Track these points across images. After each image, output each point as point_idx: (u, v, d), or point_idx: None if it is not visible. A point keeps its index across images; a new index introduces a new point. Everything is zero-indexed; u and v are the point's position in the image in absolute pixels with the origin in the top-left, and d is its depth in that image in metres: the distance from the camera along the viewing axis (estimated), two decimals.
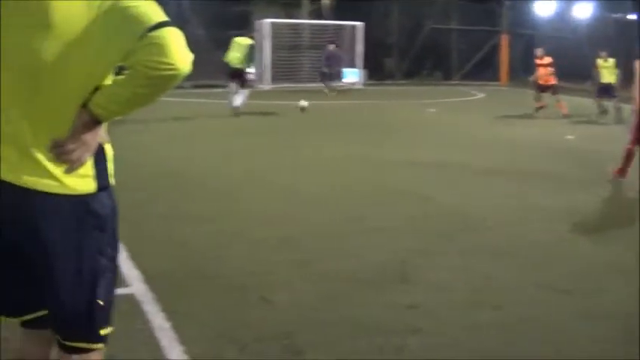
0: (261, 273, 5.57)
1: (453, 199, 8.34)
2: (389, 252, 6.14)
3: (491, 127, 16.64)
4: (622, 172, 9.52)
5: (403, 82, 33.13)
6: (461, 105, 22.47)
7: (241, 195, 8.56)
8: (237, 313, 4.75)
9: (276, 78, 28.47)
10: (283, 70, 28.66)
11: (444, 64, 36.45)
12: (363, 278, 5.47)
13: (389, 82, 32.84)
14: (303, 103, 19.07)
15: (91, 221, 2.41)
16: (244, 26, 32.65)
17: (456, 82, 34.49)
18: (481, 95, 26.80)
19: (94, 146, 2.37)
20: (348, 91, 27.31)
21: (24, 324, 2.66)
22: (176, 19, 17.55)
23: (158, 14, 2.25)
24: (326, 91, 25.09)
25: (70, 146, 2.30)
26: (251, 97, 18.92)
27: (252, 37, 20.08)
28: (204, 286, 5.28)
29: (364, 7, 31.89)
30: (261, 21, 29.27)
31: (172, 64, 2.19)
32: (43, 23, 2.25)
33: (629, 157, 9.46)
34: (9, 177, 2.35)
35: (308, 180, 9.54)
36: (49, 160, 2.33)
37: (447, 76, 35.61)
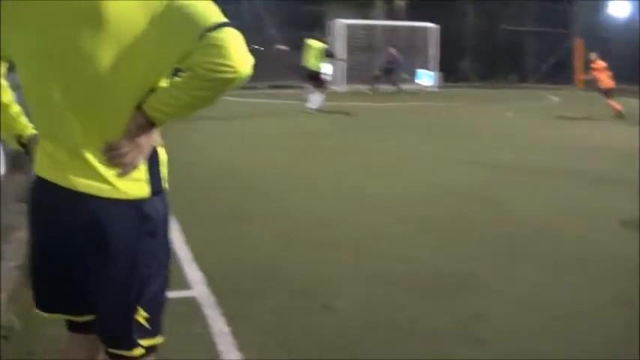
0: (323, 277, 5.48)
1: (526, 205, 8.11)
2: (457, 259, 5.98)
3: (568, 131, 16.19)
4: None
5: (478, 84, 32.64)
6: (537, 109, 21.95)
7: (306, 196, 8.51)
8: (299, 319, 4.66)
9: (351, 79, 28.31)
10: (358, 71, 28.46)
11: (519, 67, 35.83)
12: (428, 285, 5.33)
13: (464, 84, 32.39)
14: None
15: (143, 226, 2.34)
16: (318, 27, 32.78)
17: (531, 84, 33.82)
18: (556, 99, 26.14)
19: (147, 149, 2.31)
20: (419, 94, 27.01)
21: (72, 327, 2.61)
22: (249, 20, 18.27)
23: (216, 14, 2.15)
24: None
25: (124, 149, 2.24)
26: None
27: (325, 41, 20.52)
28: (267, 289, 5.20)
29: (439, 8, 31.50)
30: (335, 21, 29.16)
31: (232, 67, 2.09)
32: (96, 22, 2.17)
33: None
34: (61, 179, 2.32)
35: (375, 182, 9.41)
36: (102, 162, 2.28)
37: (522, 79, 34.96)
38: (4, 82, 2.53)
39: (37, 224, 2.48)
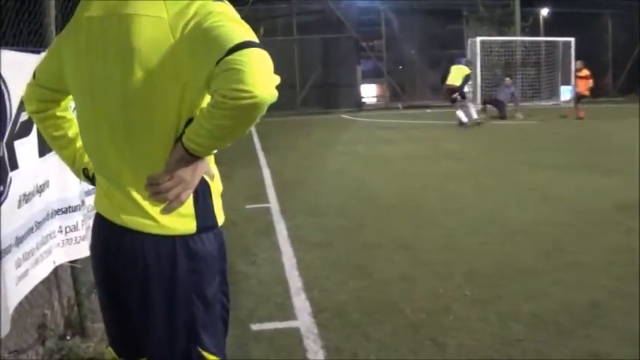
0: (438, 311, 5.18)
1: None
2: (582, 292, 5.53)
3: None
4: None
5: (619, 99, 31.26)
6: None
7: (439, 222, 8.17)
8: (403, 355, 4.41)
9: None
10: (495, 89, 27.79)
11: None
12: (548, 321, 4.92)
13: (603, 99, 31.14)
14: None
15: (188, 263, 2.22)
16: (458, 46, 32.57)
17: None
18: None
19: (193, 183, 2.16)
20: (558, 110, 26.08)
21: None
22: (387, 40, 18.75)
23: (241, 34, 1.97)
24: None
25: (167, 184, 2.11)
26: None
27: (469, 66, 22.64)
28: (376, 322, 4.97)
29: (578, 23, 30.54)
30: (472, 39, 28.73)
31: (249, 92, 1.88)
32: (128, 54, 2.09)
33: None
34: (111, 215, 2.28)
35: (510, 208, 8.90)
36: (145, 199, 2.18)
37: None
38: (71, 116, 2.53)
39: (94, 261, 2.43)
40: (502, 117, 24.61)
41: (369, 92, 38.71)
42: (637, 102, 28.65)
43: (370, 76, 37.32)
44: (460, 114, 21.36)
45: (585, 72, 23.36)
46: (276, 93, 1.95)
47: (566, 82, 29.65)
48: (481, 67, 27.56)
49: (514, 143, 16.53)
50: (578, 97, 23.44)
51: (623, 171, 11.58)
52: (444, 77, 22.61)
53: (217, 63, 1.92)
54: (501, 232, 7.56)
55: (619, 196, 9.55)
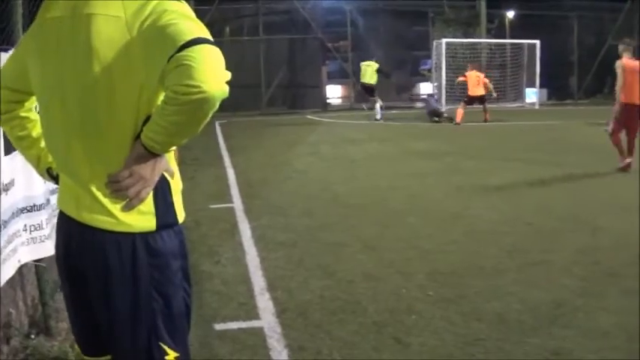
0: (402, 310, 5.19)
1: (627, 230, 7.56)
2: (545, 291, 5.57)
3: None
4: (623, 158, 11.85)
5: (584, 101, 31.63)
6: None
7: (403, 222, 8.18)
8: (367, 354, 4.41)
9: (451, 99, 27.84)
10: (460, 91, 27.99)
11: None
12: (511, 320, 4.95)
13: (569, 101, 31.51)
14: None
15: (148, 260, 2.22)
16: (424, 47, 32.78)
17: None
18: None
19: (153, 180, 2.18)
20: (523, 112, 26.36)
21: None
22: (353, 41, 19.11)
23: (192, 31, 1.99)
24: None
25: (126, 181, 2.13)
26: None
27: (377, 61, 24.73)
28: (339, 321, 4.97)
29: (544, 25, 30.90)
30: (438, 41, 28.94)
31: (199, 87, 1.90)
32: (87, 49, 2.11)
33: (618, 144, 11.92)
34: (74, 212, 2.28)
35: (474, 208, 8.94)
36: (106, 196, 2.19)
37: None
38: (35, 116, 2.54)
39: (58, 258, 2.44)
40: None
41: (335, 93, 38.81)
42: (601, 104, 28.99)
43: (336, 77, 37.41)
44: (378, 109, 24.00)
45: (473, 73, 23.33)
46: (226, 88, 1.97)
47: (532, 85, 30.02)
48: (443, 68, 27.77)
49: (479, 143, 16.64)
50: (468, 100, 23.14)
51: (587, 171, 11.73)
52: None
53: (169, 60, 1.95)
54: (465, 232, 7.60)
55: (583, 195, 9.66)
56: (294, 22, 33.13)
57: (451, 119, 22.63)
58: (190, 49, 1.93)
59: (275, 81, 32.32)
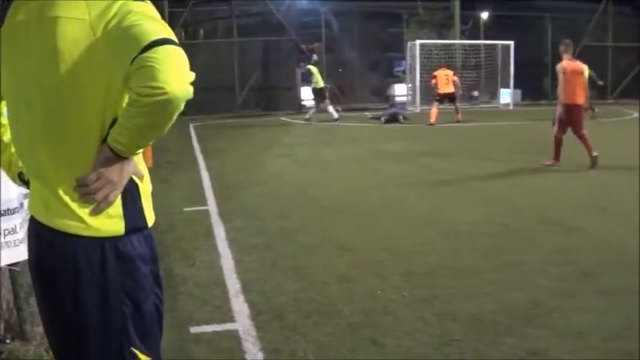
0: (377, 311, 5.19)
1: (602, 230, 7.60)
2: (521, 291, 5.58)
3: None
4: (553, 159, 12.40)
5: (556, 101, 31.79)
6: (615, 124, 21.20)
7: (377, 224, 8.18)
8: (342, 355, 4.40)
9: (425, 100, 27.92)
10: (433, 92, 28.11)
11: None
12: (486, 320, 4.96)
13: (544, 102, 31.70)
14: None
15: (118, 265, 2.19)
16: (398, 49, 32.85)
17: (612, 100, 32.82)
18: (636, 114, 24.99)
19: (121, 184, 2.15)
20: (498, 113, 26.47)
21: None
22: (328, 43, 19.07)
23: (156, 32, 1.97)
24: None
25: (94, 185, 2.10)
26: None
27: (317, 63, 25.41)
28: (314, 323, 4.95)
29: (518, 26, 31.10)
30: (412, 42, 29.04)
31: (162, 88, 1.90)
32: (53, 52, 2.09)
33: (558, 144, 12.41)
34: (45, 220, 2.24)
35: (449, 209, 8.96)
36: (74, 200, 2.16)
37: (602, 95, 33.88)
38: (5, 121, 2.49)
39: (29, 263, 2.41)
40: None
41: (309, 95, 38.77)
42: None
43: (310, 79, 37.34)
44: (331, 110, 24.23)
45: (442, 72, 23.37)
46: (190, 89, 1.96)
47: (506, 85, 30.19)
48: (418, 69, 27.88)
49: (453, 144, 16.70)
50: (438, 98, 23.06)
51: (561, 171, 11.81)
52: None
53: (132, 61, 1.93)
54: (440, 233, 7.61)
55: (558, 196, 9.73)
56: (268, 24, 33.03)
57: (405, 118, 23.33)
58: (154, 50, 1.91)
59: (249, 83, 32.21)
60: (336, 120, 23.82)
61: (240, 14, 32.71)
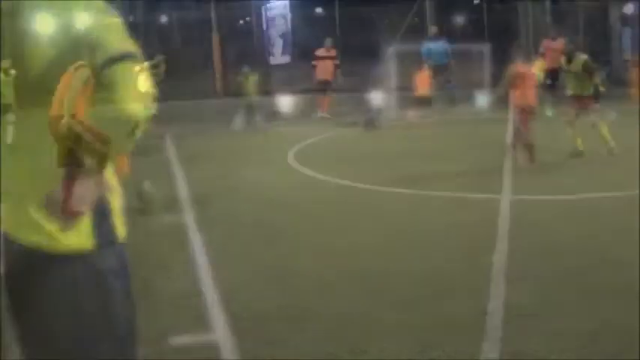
0: (358, 317, 5.17)
1: (584, 232, 7.59)
2: (502, 293, 5.56)
3: None
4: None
5: None
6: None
7: (358, 228, 8.11)
8: None
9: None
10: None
11: None
12: (462, 323, 4.95)
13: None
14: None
15: (87, 280, 2.16)
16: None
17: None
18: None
19: (91, 198, 2.09)
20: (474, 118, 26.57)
21: None
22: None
23: (121, 46, 2.00)
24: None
25: (63, 200, 2.04)
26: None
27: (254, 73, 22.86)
28: (294, 330, 4.92)
29: (491, 28, 31.35)
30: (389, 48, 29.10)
31: (122, 107, 1.92)
32: (23, 54, 2.07)
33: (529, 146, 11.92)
34: (15, 235, 2.18)
35: (426, 213, 8.92)
36: (44, 216, 2.10)
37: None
38: None
39: (2, 279, 2.31)
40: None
41: (284, 101, 38.73)
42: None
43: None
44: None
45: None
46: (151, 107, 1.98)
47: (479, 89, 30.27)
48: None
49: (431, 148, 16.71)
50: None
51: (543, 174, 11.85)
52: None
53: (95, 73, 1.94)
54: (419, 236, 7.61)
55: (535, 197, 9.75)
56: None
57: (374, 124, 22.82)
58: (114, 67, 1.93)
59: None
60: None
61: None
